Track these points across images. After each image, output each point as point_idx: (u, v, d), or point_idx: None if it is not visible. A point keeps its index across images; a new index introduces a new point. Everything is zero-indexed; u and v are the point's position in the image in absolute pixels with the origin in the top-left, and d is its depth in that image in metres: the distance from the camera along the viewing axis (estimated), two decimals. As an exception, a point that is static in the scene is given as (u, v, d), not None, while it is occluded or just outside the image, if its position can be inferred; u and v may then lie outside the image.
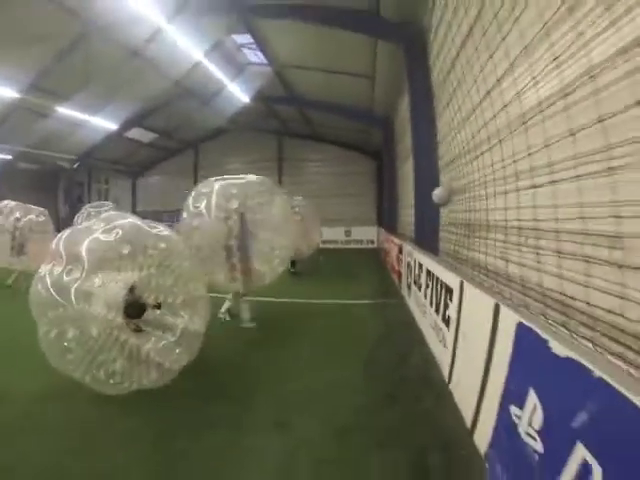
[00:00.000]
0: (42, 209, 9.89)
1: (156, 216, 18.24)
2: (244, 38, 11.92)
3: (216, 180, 6.01)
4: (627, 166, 2.08)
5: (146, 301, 3.45)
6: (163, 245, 3.62)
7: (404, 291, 7.18)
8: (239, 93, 14.35)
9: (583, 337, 2.48)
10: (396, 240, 9.38)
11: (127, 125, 16.97)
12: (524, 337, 2.17)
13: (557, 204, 2.82)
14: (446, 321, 3.81)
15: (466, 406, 3.01)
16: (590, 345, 2.38)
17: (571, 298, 2.65)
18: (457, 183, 5.62)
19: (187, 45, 9.95)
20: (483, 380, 2.67)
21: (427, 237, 6.76)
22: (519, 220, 3.48)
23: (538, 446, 1.83)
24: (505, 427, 2.26)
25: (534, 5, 2.97)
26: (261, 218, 5.74)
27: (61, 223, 22.55)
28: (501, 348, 2.45)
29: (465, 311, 3.31)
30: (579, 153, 2.49)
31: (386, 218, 15.69)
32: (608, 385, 1.40)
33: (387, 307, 6.65)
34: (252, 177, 6.36)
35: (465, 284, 3.32)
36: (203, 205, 5.71)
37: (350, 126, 16.51)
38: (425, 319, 5.02)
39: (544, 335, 1.95)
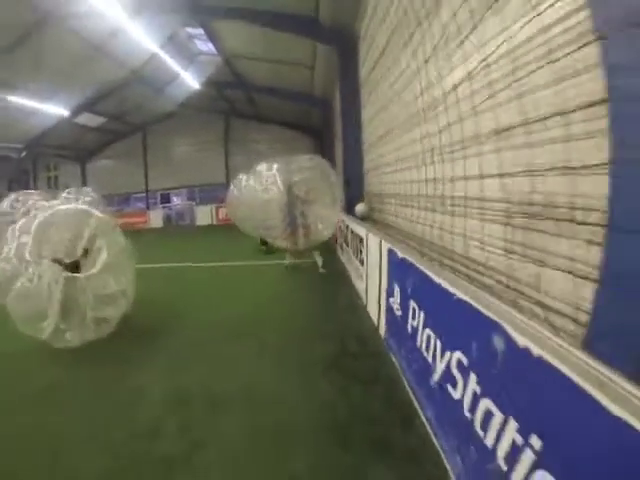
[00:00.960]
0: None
1: (109, 199, 18.61)
2: (196, 30, 12.68)
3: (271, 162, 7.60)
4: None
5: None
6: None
7: (338, 250, 8.94)
8: (190, 80, 15.14)
9: (430, 258, 4.27)
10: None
11: (77, 111, 16.85)
12: (391, 255, 3.89)
13: (426, 179, 4.52)
14: (361, 261, 5.59)
15: (374, 313, 4.74)
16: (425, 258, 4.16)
17: (420, 236, 4.45)
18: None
19: (144, 39, 10.64)
20: (379, 290, 4.42)
21: (353, 205, 8.50)
22: (404, 189, 5.25)
23: (399, 313, 3.57)
24: (389, 311, 4.00)
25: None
26: (313, 188, 7.27)
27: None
28: (383, 265, 4.19)
29: (369, 250, 5.06)
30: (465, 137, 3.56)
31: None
32: (419, 270, 3.06)
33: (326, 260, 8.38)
34: (303, 156, 7.87)
35: (368, 233, 5.10)
36: (270, 182, 7.29)
37: (293, 108, 17.77)
38: (351, 265, 6.84)
39: (395, 249, 3.69)
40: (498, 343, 1.78)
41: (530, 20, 2.31)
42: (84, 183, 23.55)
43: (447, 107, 3.64)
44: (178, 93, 17.01)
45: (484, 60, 2.89)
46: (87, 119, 18.62)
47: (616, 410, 1.11)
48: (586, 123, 1.92)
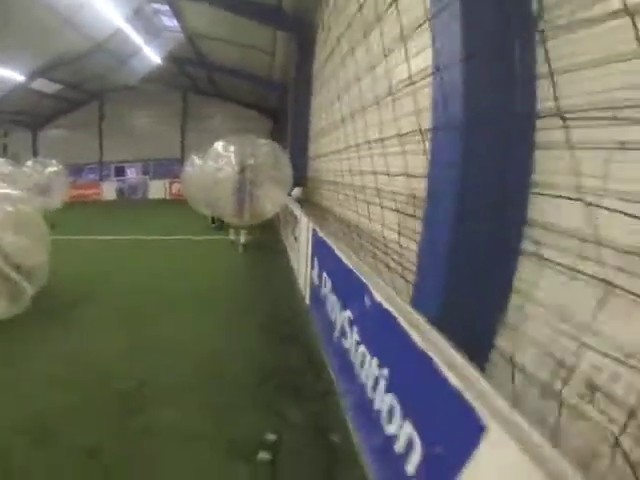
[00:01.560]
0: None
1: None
2: (162, 7, 12.38)
3: (228, 142, 7.90)
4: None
5: None
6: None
7: (280, 228, 9.54)
8: (153, 55, 14.93)
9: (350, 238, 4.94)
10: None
11: (33, 76, 15.71)
12: (315, 235, 4.50)
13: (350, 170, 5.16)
14: (295, 238, 6.21)
15: (302, 284, 5.35)
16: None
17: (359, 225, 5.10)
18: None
19: (111, 11, 10.48)
20: (305, 264, 5.03)
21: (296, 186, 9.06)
22: (340, 176, 5.88)
23: (316, 282, 4.17)
24: (311, 281, 4.62)
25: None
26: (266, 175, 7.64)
27: None
28: (309, 242, 4.80)
29: (301, 229, 5.68)
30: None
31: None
32: (329, 246, 3.67)
33: (265, 240, 9.02)
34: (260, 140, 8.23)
35: (300, 213, 5.73)
36: (224, 162, 7.63)
37: (252, 88, 17.80)
38: (288, 241, 7.53)
39: (317, 229, 4.31)
40: (368, 302, 2.40)
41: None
42: (35, 152, 21.99)
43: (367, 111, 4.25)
44: (140, 67, 16.53)
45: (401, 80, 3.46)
46: (42, 85, 17.42)
47: (419, 342, 1.72)
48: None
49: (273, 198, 7.78)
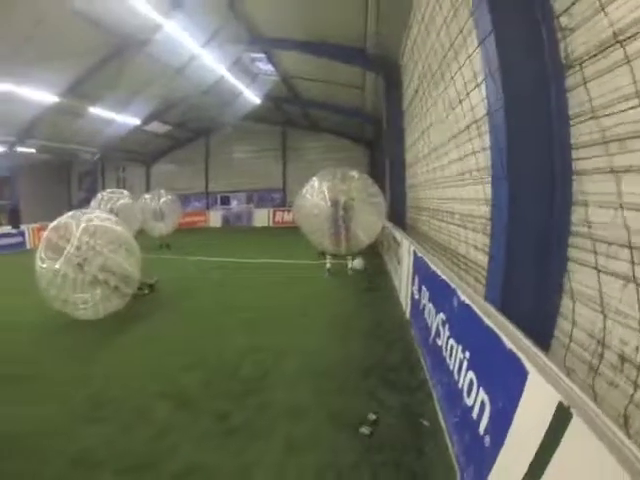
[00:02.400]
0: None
1: None
2: (258, 54, 14.50)
3: (322, 177, 8.73)
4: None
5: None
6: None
7: (383, 254, 10.17)
8: (252, 96, 17.18)
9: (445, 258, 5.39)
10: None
11: (148, 120, 19.24)
12: (417, 257, 5.09)
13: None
14: (398, 260, 6.80)
15: (403, 300, 5.95)
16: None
17: (448, 245, 5.57)
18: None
19: (215, 63, 12.69)
20: (407, 281, 5.62)
21: (398, 216, 9.66)
22: (432, 204, 6.39)
23: (416, 297, 4.76)
24: (412, 296, 5.20)
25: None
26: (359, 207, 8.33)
27: (73, 208, 25.31)
28: (410, 263, 5.40)
29: (402, 250, 6.28)
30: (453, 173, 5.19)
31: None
32: (425, 262, 4.29)
33: (370, 264, 9.63)
34: (352, 173, 8.82)
35: (402, 237, 6.32)
36: (320, 197, 8.41)
37: (346, 120, 19.21)
38: (392, 264, 8.07)
39: (419, 253, 4.89)
40: (456, 303, 2.97)
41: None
42: (148, 184, 26.51)
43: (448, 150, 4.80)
44: (241, 107, 18.94)
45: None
46: (155, 127, 20.98)
47: (490, 325, 2.29)
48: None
49: (367, 229, 8.38)
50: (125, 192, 15.18)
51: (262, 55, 14.19)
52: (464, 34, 4.03)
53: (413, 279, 5.21)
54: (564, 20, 2.27)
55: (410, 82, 8.20)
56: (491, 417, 2.12)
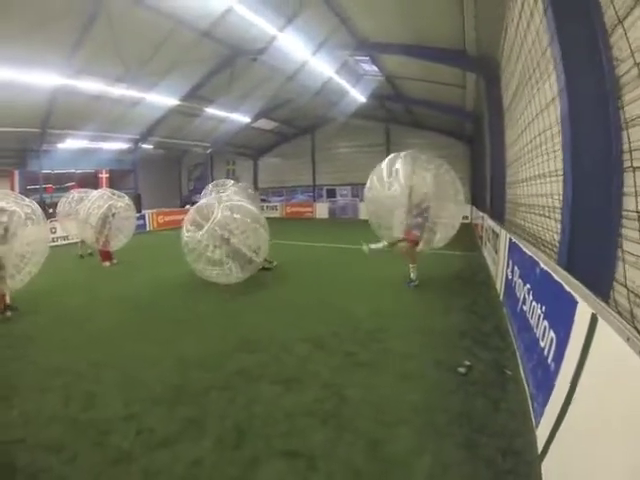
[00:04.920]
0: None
1: (278, 191, 23.77)
2: (363, 57, 15.43)
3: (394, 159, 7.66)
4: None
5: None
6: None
7: (482, 248, 10.54)
8: (357, 95, 18.22)
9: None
10: (481, 214, 12.59)
11: (256, 117, 21.41)
12: (511, 242, 5.69)
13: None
14: (495, 250, 7.33)
15: (498, 286, 6.53)
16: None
17: (535, 233, 6.01)
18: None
19: (323, 67, 13.92)
20: (502, 266, 6.21)
21: (497, 211, 9.95)
22: (526, 199, 6.79)
23: (509, 277, 5.40)
24: (506, 280, 5.81)
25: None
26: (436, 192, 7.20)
27: (183, 197, 30.08)
28: (506, 249, 6.00)
29: (500, 240, 6.83)
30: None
31: (477, 198, 18.40)
32: (520, 247, 4.93)
33: (470, 256, 10.23)
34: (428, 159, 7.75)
35: (500, 228, 6.87)
36: (393, 180, 7.38)
37: (447, 118, 19.42)
38: (489, 255, 8.54)
39: (514, 239, 5.50)
40: (538, 270, 3.68)
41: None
42: (255, 176, 29.31)
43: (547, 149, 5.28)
44: (347, 106, 20.00)
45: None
46: (263, 123, 23.07)
47: (560, 280, 3.01)
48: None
49: (447, 222, 7.44)
50: (228, 182, 17.08)
51: (366, 57, 15.25)
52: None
53: (507, 263, 5.82)
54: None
55: (510, 81, 8.49)
56: (556, 348, 2.86)
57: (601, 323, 2.12)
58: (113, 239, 11.02)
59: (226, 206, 7.48)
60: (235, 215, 7.53)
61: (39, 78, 12.05)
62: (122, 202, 11.28)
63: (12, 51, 10.71)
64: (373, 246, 8.09)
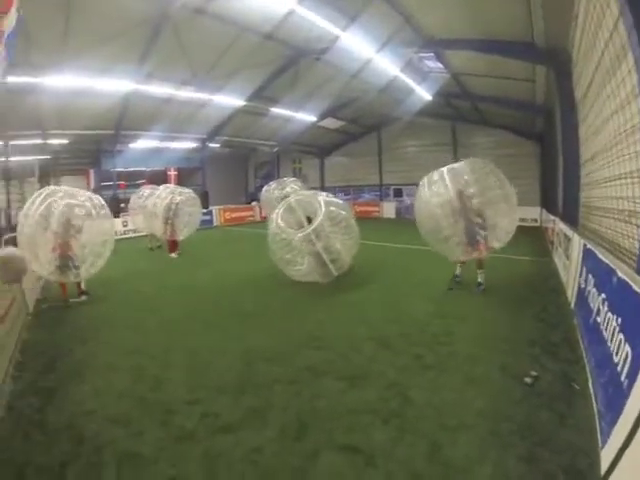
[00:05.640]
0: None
1: (345, 190, 23.08)
2: (428, 54, 15.06)
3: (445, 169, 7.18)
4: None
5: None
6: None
7: (553, 253, 9.93)
8: (423, 93, 17.85)
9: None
10: (552, 218, 11.86)
11: (322, 116, 21.56)
12: (586, 249, 5.35)
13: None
14: (567, 256, 6.91)
15: (570, 293, 6.15)
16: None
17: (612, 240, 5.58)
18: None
19: (388, 65, 13.81)
20: (574, 273, 5.85)
21: (569, 214, 9.29)
22: (603, 202, 6.31)
23: (582, 286, 5.08)
24: (578, 287, 5.48)
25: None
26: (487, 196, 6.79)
27: (249, 194, 30.82)
28: (579, 255, 5.64)
29: (572, 245, 6.43)
30: None
31: (548, 199, 17.26)
32: (595, 254, 4.64)
33: (540, 261, 9.75)
34: (477, 161, 7.28)
35: (572, 233, 6.47)
36: (439, 189, 7.05)
37: (515, 114, 18.39)
38: (560, 262, 8.03)
39: (589, 245, 5.17)
40: (615, 280, 3.47)
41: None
42: (322, 175, 29.40)
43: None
44: (412, 104, 19.51)
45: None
46: (329, 122, 23.14)
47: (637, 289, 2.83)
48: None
49: (501, 227, 6.89)
50: (287, 180, 17.75)
51: (431, 54, 14.89)
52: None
53: (581, 270, 5.48)
54: None
55: (583, 73, 7.92)
56: (631, 364, 2.69)
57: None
58: (178, 230, 12.10)
59: (327, 212, 7.92)
60: (332, 227, 7.94)
61: (113, 84, 13.34)
62: (184, 196, 12.53)
63: (88, 61, 11.85)
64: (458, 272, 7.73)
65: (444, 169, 7.17)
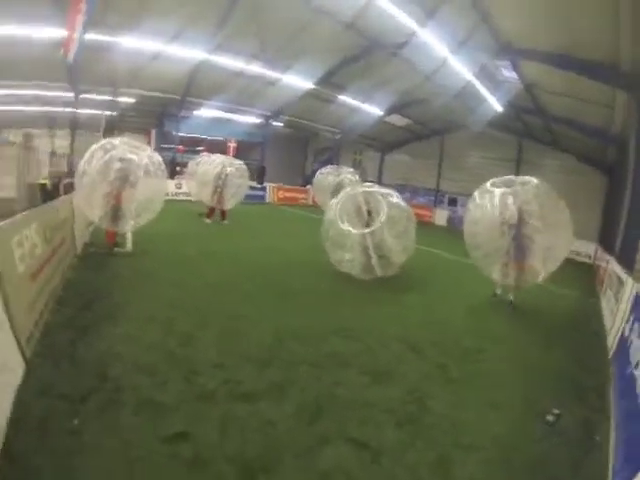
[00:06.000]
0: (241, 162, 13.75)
1: (401, 189, 22.98)
2: (502, 62, 14.48)
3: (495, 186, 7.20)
4: None
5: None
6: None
7: (601, 294, 9.51)
8: (495, 104, 17.19)
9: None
10: (607, 257, 11.30)
11: (389, 112, 21.40)
12: (638, 296, 5.07)
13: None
14: (616, 300, 6.61)
15: (611, 337, 5.88)
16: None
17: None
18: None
19: (462, 69, 13.42)
20: (620, 319, 5.57)
21: (627, 255, 8.76)
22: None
23: (627, 333, 4.82)
24: (622, 337, 5.20)
25: None
26: (537, 224, 6.65)
27: (305, 177, 30.68)
28: (629, 301, 5.37)
29: (625, 289, 6.14)
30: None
31: (606, 236, 16.30)
32: None
33: (585, 300, 9.38)
34: (532, 182, 7.11)
35: (626, 276, 6.20)
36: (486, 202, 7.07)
37: (587, 140, 17.32)
38: (607, 306, 7.72)
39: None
40: None
41: None
42: (380, 170, 29.12)
43: None
44: (482, 114, 18.79)
45: None
46: (395, 119, 22.86)
47: None
48: None
49: (552, 252, 6.75)
50: (344, 168, 17.80)
51: (507, 62, 14.27)
52: None
53: (629, 318, 5.20)
54: None
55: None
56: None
57: None
58: (226, 199, 12.58)
59: (391, 215, 7.93)
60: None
61: (185, 52, 13.74)
62: (233, 167, 12.95)
63: (162, 25, 12.24)
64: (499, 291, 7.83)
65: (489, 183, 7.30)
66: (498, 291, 7.76)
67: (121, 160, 7.38)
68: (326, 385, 3.82)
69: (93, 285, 5.74)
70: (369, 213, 8.42)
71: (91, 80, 15.12)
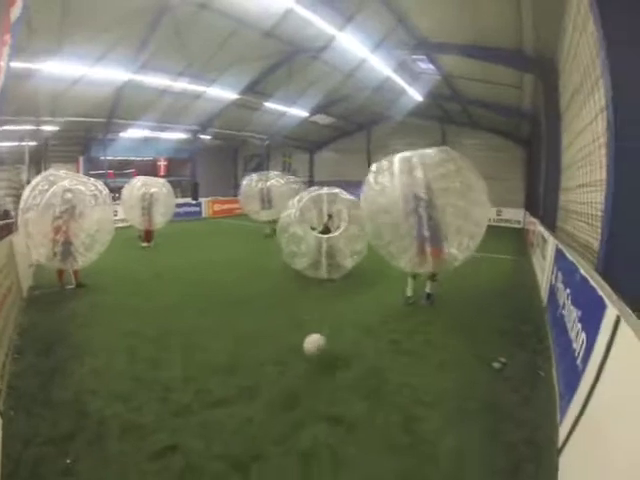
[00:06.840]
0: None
1: (334, 184, 23.51)
2: (420, 56, 15.27)
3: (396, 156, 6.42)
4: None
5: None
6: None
7: (532, 254, 10.43)
8: (415, 94, 18.12)
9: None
10: (533, 220, 12.40)
11: (313, 112, 21.79)
12: (557, 249, 5.75)
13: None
14: (543, 257, 7.34)
15: (543, 290, 6.57)
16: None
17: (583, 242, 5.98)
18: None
19: (381, 66, 14.07)
20: (548, 272, 6.25)
21: (549, 217, 9.74)
22: (576, 207, 6.73)
23: (554, 282, 5.47)
24: (550, 285, 5.87)
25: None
26: (445, 187, 5.70)
27: (236, 186, 29.04)
28: (552, 254, 6.04)
29: (548, 246, 6.84)
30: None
31: (531, 202, 17.83)
32: (563, 252, 5.03)
33: (518, 261, 10.25)
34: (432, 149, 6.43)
35: (547, 233, 6.92)
36: (386, 180, 6.17)
37: (503, 119, 18.87)
38: (537, 263, 8.48)
39: (560, 246, 5.56)
40: (577, 274, 3.83)
41: None
42: (311, 170, 29.65)
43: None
44: (403, 104, 19.80)
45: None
46: (320, 118, 23.00)
47: (595, 285, 3.18)
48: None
49: (467, 231, 5.54)
50: (271, 173, 17.24)
51: (423, 57, 15.14)
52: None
53: (553, 269, 5.88)
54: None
55: (567, 84, 8.28)
56: (585, 349, 3.04)
57: (623, 325, 2.33)
58: (154, 220, 12.32)
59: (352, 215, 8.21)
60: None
61: (108, 73, 13.31)
62: (156, 187, 12.68)
63: (85, 49, 11.91)
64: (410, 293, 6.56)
65: (394, 159, 6.46)
66: (409, 293, 6.49)
67: (70, 191, 7.04)
68: (291, 378, 4.02)
69: (49, 327, 5.49)
70: (329, 216, 8.63)
71: (11, 110, 14.18)
